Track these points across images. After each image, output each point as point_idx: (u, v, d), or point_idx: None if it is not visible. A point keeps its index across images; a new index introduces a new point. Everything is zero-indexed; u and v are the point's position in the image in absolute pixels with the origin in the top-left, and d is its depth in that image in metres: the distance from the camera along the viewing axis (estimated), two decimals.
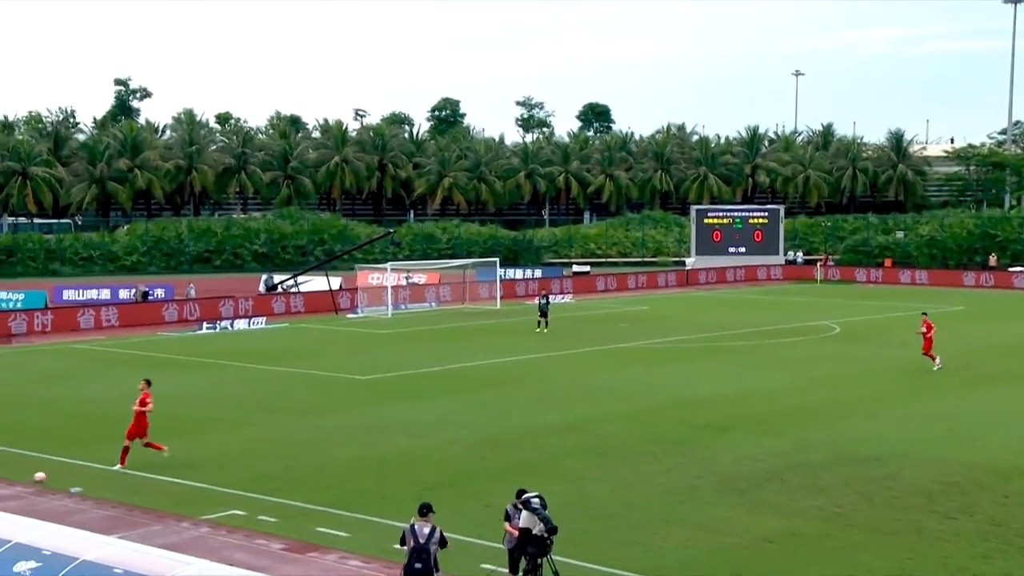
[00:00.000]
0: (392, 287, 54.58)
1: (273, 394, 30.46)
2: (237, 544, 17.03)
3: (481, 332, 45.46)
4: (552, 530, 14.27)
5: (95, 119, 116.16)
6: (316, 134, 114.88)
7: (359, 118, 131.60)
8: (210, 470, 21.57)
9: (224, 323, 47.03)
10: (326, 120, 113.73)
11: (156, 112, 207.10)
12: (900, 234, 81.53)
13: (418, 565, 13.45)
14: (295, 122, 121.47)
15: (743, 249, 77.97)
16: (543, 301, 45.35)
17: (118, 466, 21.59)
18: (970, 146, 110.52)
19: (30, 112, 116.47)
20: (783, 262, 78.07)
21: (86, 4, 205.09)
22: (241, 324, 47.35)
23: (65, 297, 56.66)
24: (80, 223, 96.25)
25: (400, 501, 18.39)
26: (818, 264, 75.96)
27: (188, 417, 27.07)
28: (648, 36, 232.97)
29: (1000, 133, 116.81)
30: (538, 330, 43.73)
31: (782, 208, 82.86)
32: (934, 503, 19.26)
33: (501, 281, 58.90)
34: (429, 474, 21.16)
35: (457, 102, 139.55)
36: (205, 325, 46.19)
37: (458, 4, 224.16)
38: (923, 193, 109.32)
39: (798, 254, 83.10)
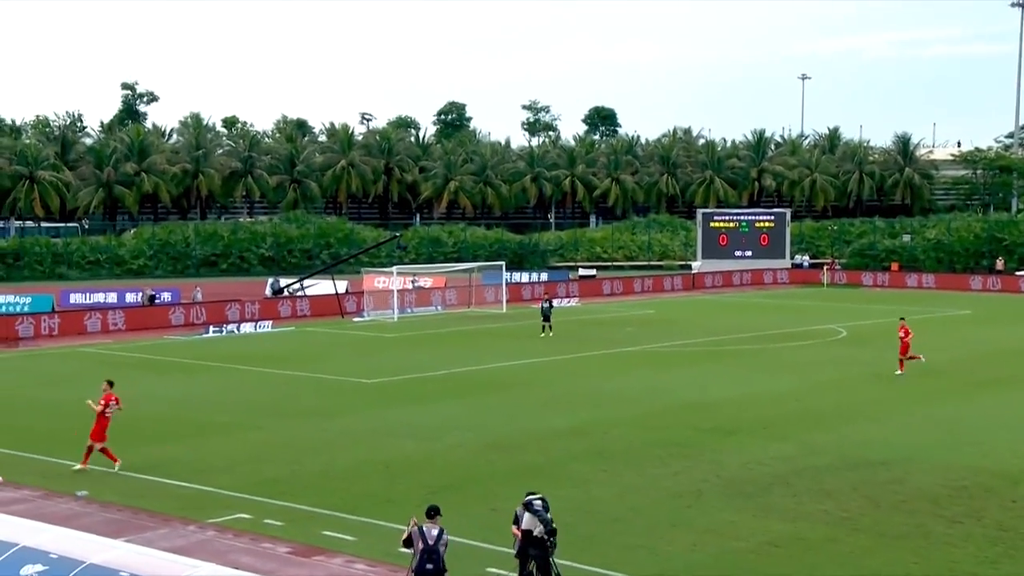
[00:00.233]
0: (398, 291, 54.62)
1: (279, 398, 30.48)
2: (243, 547, 17.04)
3: (487, 336, 45.45)
4: (551, 531, 14.24)
5: (102, 123, 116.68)
6: (322, 138, 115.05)
7: (365, 122, 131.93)
8: (216, 474, 21.58)
9: (230, 327, 47.08)
10: (332, 124, 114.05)
11: (163, 116, 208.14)
12: (907, 238, 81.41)
13: (429, 566, 13.56)
14: (301, 126, 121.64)
15: (749, 253, 77.87)
16: (546, 305, 45.24)
17: (116, 464, 21.57)
18: (977, 150, 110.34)
19: (37, 116, 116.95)
20: (789, 266, 77.97)
21: (93, 8, 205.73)
22: (247, 328, 47.40)
23: (72, 301, 56.76)
24: (87, 227, 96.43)
25: (406, 505, 18.37)
26: (824, 268, 75.89)
27: (194, 421, 27.11)
28: (654, 40, 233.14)
29: (1007, 136, 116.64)
30: (543, 335, 43.67)
31: (788, 212, 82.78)
32: (941, 507, 19.21)
33: (507, 285, 58.92)
34: (435, 478, 21.16)
35: (463, 106, 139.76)
36: (211, 329, 46.25)
37: (464, 8, 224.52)
38: (930, 197, 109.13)
39: (804, 258, 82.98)
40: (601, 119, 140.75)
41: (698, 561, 16.65)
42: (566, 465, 22.29)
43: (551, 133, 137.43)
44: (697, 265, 77.59)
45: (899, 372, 33.91)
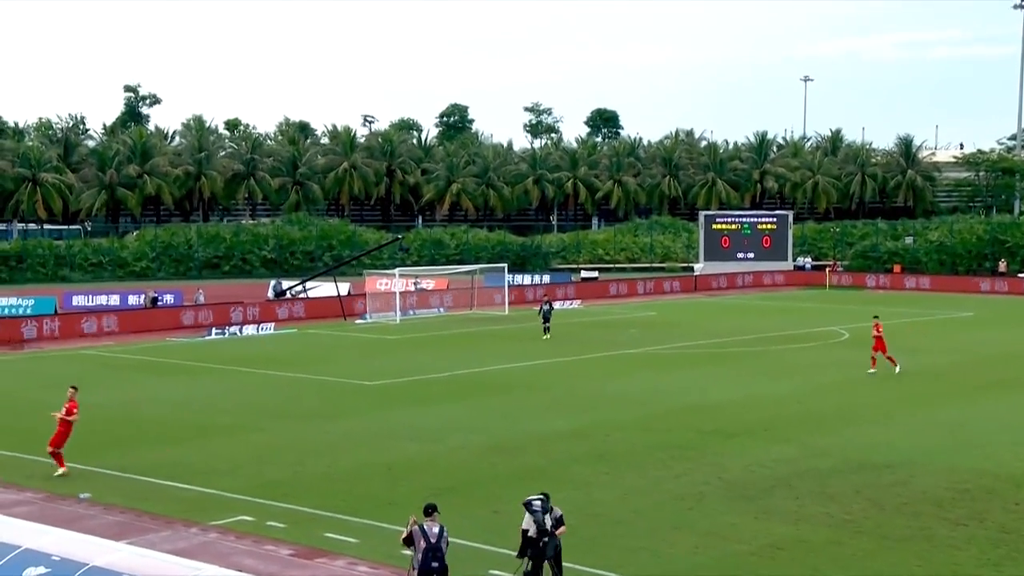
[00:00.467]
0: (400, 293, 54.63)
1: (282, 400, 30.49)
2: (245, 550, 17.05)
3: (489, 338, 45.46)
4: (542, 532, 14.23)
5: (105, 125, 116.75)
6: (325, 140, 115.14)
7: (367, 124, 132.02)
8: (219, 476, 21.59)
9: (233, 328, 47.11)
10: (335, 126, 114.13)
11: (165, 118, 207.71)
12: (909, 240, 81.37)
13: (435, 564, 13.63)
14: (304, 128, 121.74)
15: (752, 255, 77.85)
16: (546, 307, 45.12)
17: (61, 470, 21.54)
18: (979, 152, 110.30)
19: (40, 119, 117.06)
20: (792, 268, 77.95)
21: (95, 11, 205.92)
22: (249, 330, 47.42)
23: (75, 303, 56.81)
24: (89, 229, 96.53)
25: (409, 507, 18.34)
26: (827, 270, 75.88)
27: (196, 423, 27.13)
28: (656, 42, 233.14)
29: (1010, 139, 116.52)
30: (545, 337, 43.64)
31: (791, 214, 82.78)
32: (944, 510, 19.19)
33: (509, 287, 58.92)
34: (437, 480, 21.16)
35: (465, 108, 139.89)
36: (214, 331, 46.27)
37: (466, 10, 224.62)
38: (932, 199, 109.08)
39: (807, 260, 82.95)
40: (603, 121, 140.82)
41: (700, 563, 16.64)
42: (568, 467, 22.29)
43: (553, 135, 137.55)
44: (699, 267, 77.58)
45: (871, 371, 33.98)
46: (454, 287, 60.73)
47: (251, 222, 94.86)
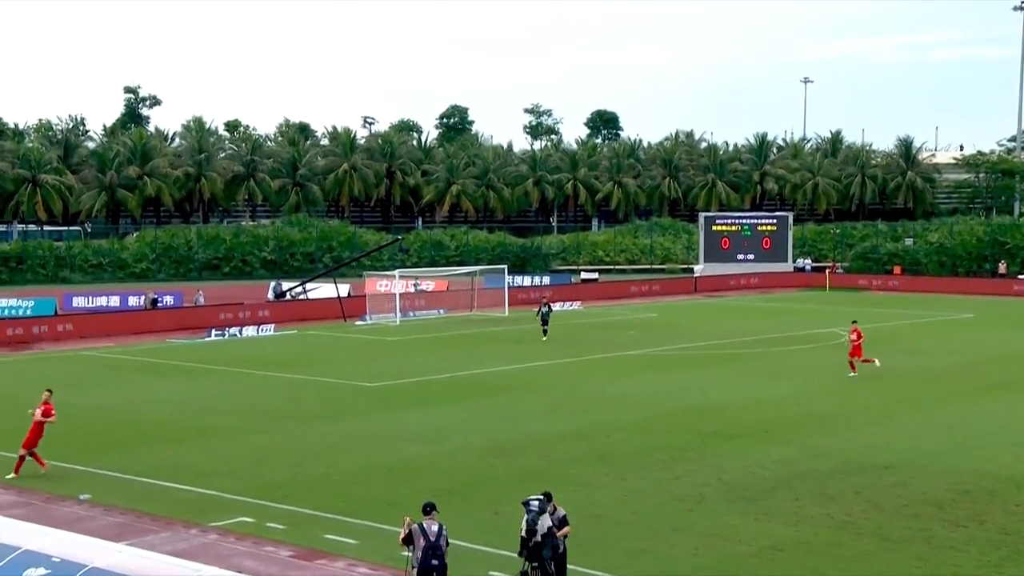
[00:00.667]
0: (400, 294, 54.63)
1: (282, 401, 30.49)
2: (246, 551, 17.05)
3: (489, 339, 45.45)
4: (530, 532, 14.24)
5: (105, 127, 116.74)
6: (325, 141, 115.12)
7: (367, 125, 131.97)
8: (218, 477, 21.59)
9: (232, 330, 47.11)
10: (335, 127, 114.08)
11: (165, 120, 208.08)
12: (909, 241, 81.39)
13: (435, 562, 13.68)
14: (304, 129, 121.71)
15: (752, 256, 77.86)
16: (545, 309, 45.00)
17: (12, 475, 21.51)
18: (979, 153, 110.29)
19: (40, 120, 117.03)
20: (792, 269, 77.97)
21: (95, 12, 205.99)
22: (250, 331, 47.43)
23: (75, 304, 56.81)
24: (90, 230, 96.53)
25: (409, 508, 18.32)
26: (827, 271, 75.89)
27: (196, 424, 27.13)
28: (656, 43, 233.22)
29: (1009, 140, 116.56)
30: (545, 339, 43.59)
31: (791, 215, 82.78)
32: (944, 511, 19.19)
33: (509, 288, 58.91)
34: (438, 481, 21.15)
35: (465, 109, 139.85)
36: (213, 332, 46.28)
37: (466, 11, 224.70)
38: (932, 200, 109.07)
39: (807, 261, 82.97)
40: (603, 122, 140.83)
41: (701, 565, 16.64)
42: (568, 469, 22.29)
43: (553, 136, 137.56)
44: (699, 268, 77.58)
45: (852, 374, 34.13)
46: (454, 288, 60.73)
47: (251, 223, 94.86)
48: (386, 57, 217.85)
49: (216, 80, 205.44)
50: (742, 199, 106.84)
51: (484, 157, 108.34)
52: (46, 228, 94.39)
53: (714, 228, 79.30)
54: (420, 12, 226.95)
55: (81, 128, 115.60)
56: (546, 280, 71.18)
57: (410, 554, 14.09)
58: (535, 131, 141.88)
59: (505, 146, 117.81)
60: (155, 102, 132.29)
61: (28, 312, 51.41)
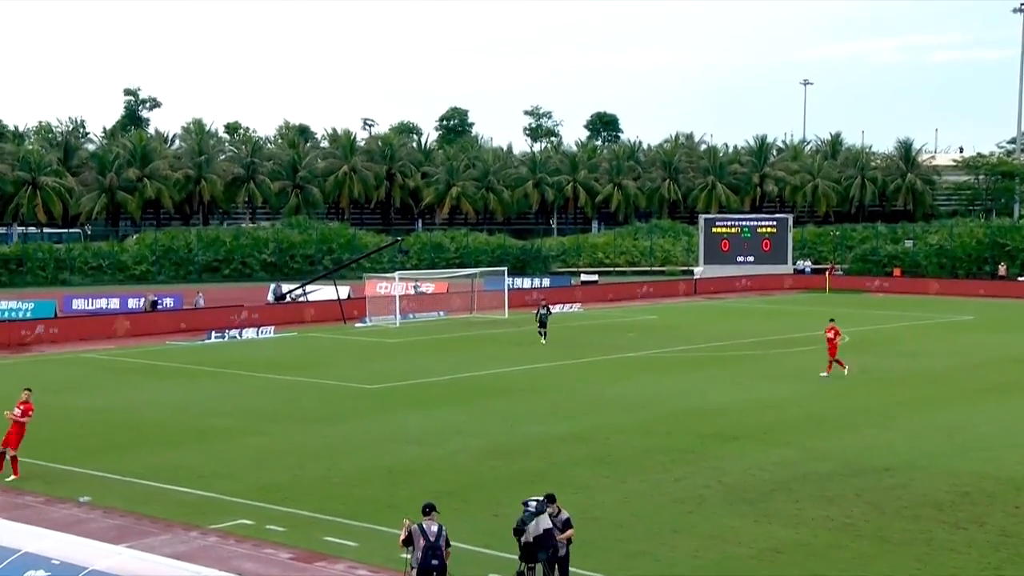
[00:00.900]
0: (400, 296, 54.63)
1: (281, 403, 30.49)
2: (245, 553, 17.04)
3: (489, 341, 45.45)
4: (517, 531, 14.26)
5: (105, 129, 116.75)
6: (324, 143, 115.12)
7: (367, 127, 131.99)
8: (218, 479, 21.59)
9: (232, 332, 47.11)
10: (334, 129, 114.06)
11: (165, 122, 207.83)
12: (909, 243, 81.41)
13: (435, 562, 13.72)
14: (304, 131, 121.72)
15: (751, 258, 77.90)
16: (543, 311, 44.88)
17: (12, 477, 21.60)
18: (979, 155, 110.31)
19: (40, 122, 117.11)
20: (792, 271, 77.99)
21: (95, 14, 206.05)
22: (250, 333, 47.44)
23: (75, 306, 56.78)
24: (89, 233, 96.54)
25: (409, 510, 18.32)
26: (826, 273, 75.91)
27: (196, 426, 27.12)
28: (656, 45, 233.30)
29: (1009, 142, 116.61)
30: (544, 342, 43.51)
31: (790, 217, 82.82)
32: (944, 513, 19.19)
33: (509, 290, 58.91)
34: (438, 483, 21.14)
35: (465, 111, 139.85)
36: (213, 334, 46.27)
37: (466, 13, 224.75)
38: (932, 202, 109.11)
39: (807, 263, 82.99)
40: (603, 124, 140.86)
41: (700, 567, 16.64)
42: (568, 471, 22.28)
43: (553, 138, 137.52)
44: (699, 271, 77.61)
45: (824, 374, 34.30)
46: (454, 291, 60.73)
47: (251, 225, 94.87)
48: (386, 59, 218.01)
49: (216, 82, 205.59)
50: (742, 201, 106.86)
51: (484, 159, 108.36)
52: (46, 230, 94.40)
53: (714, 230, 79.34)
54: (420, 14, 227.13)
55: (81, 130, 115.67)
56: (546, 282, 71.17)
57: (409, 556, 14.11)
58: (535, 133, 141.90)
59: (505, 148, 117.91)
60: (155, 104, 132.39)
61: (28, 314, 51.40)
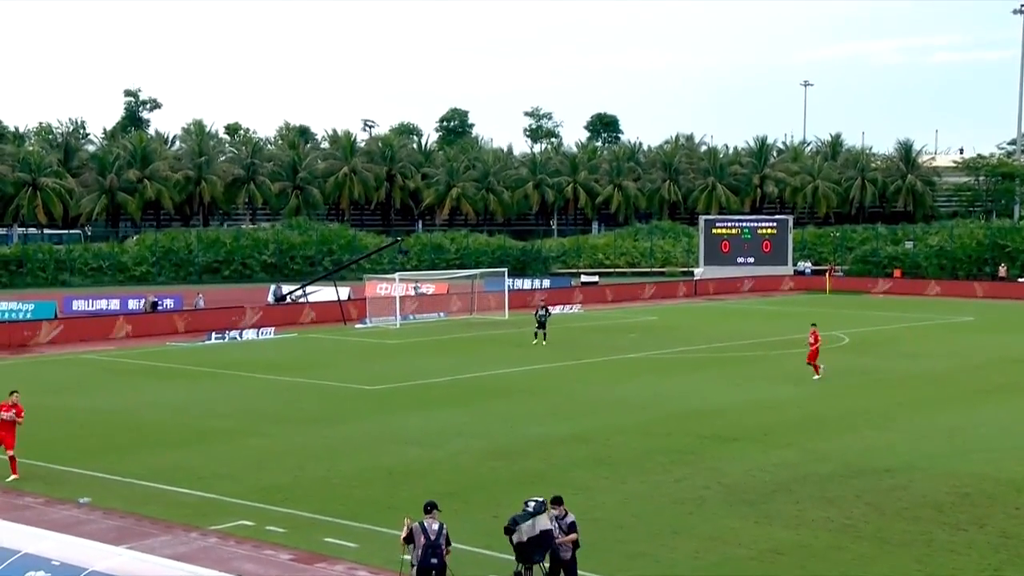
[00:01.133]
0: (400, 297, 54.62)
1: (281, 404, 30.48)
2: (246, 554, 17.04)
3: (489, 342, 45.45)
4: (507, 531, 14.29)
5: (105, 130, 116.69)
6: (325, 144, 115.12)
7: (367, 128, 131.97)
8: (218, 480, 21.59)
9: (233, 333, 47.10)
10: (335, 130, 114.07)
11: (165, 123, 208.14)
12: (909, 244, 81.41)
13: (434, 560, 13.76)
14: (304, 132, 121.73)
15: (752, 259, 77.89)
16: (542, 312, 44.75)
17: (12, 476, 21.70)
18: (979, 156, 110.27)
19: (40, 123, 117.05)
20: (792, 272, 77.99)
21: (96, 15, 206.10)
22: (250, 334, 47.43)
23: (75, 307, 56.80)
24: (90, 234, 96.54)
25: (409, 511, 18.30)
26: (827, 274, 75.91)
27: (196, 427, 27.12)
28: (656, 46, 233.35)
29: (1009, 143, 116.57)
30: (535, 342, 43.33)
31: (791, 218, 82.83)
32: (945, 515, 19.19)
33: (509, 291, 58.91)
34: (438, 484, 21.13)
35: (465, 112, 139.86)
36: (214, 335, 46.27)
37: (466, 14, 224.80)
38: (932, 203, 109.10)
39: (807, 264, 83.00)
40: (603, 125, 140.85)
41: (701, 568, 16.63)
42: (569, 472, 22.28)
43: (553, 140, 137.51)
44: (699, 272, 77.59)
45: (817, 376, 34.21)
46: (454, 292, 60.73)
47: (251, 227, 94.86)
48: (386, 60, 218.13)
49: (216, 83, 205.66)
50: (742, 202, 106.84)
51: (484, 160, 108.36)
52: (46, 231, 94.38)
53: (714, 231, 79.34)
54: (420, 15, 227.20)
55: (81, 131, 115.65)
56: (546, 283, 71.15)
57: (409, 556, 14.14)
58: (535, 134, 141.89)
59: (505, 149, 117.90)
60: (155, 105, 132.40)
61: (28, 315, 51.40)
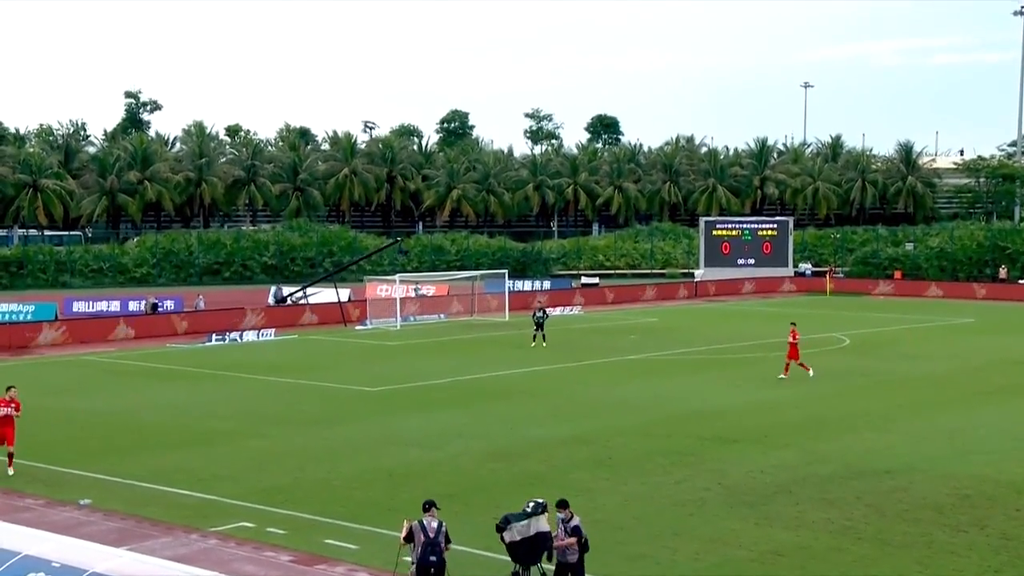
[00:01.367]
0: (401, 299, 54.63)
1: (282, 406, 30.48)
2: (246, 556, 17.03)
3: (490, 344, 45.45)
4: (497, 528, 14.31)
5: (105, 131, 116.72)
6: (325, 146, 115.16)
7: (368, 130, 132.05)
8: (219, 482, 21.59)
9: (233, 335, 47.10)
10: (335, 132, 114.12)
11: (166, 124, 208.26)
12: (910, 246, 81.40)
13: (432, 558, 13.84)
14: (304, 134, 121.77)
15: (752, 261, 77.90)
16: (540, 314, 44.66)
17: (11, 471, 21.93)
18: (980, 158, 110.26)
19: (41, 125, 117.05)
20: (792, 274, 77.99)
21: (96, 17, 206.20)
22: (250, 336, 47.43)
23: (75, 309, 56.82)
24: (90, 235, 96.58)
25: (409, 513, 18.31)
26: (827, 275, 75.90)
27: (197, 429, 27.12)
28: (657, 48, 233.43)
29: (1010, 145, 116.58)
30: (534, 344, 43.29)
31: (791, 220, 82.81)
32: (945, 516, 19.18)
33: (510, 293, 58.91)
34: (438, 486, 21.12)
35: (466, 114, 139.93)
36: (214, 337, 46.26)
37: (466, 16, 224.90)
38: (933, 205, 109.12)
39: (807, 266, 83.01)
40: (604, 127, 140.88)
41: (701, 570, 16.63)
42: (569, 473, 22.28)
43: (554, 141, 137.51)
44: (700, 273, 77.59)
45: (782, 376, 34.33)
46: (455, 293, 60.73)
47: (252, 228, 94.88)
48: (387, 62, 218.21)
49: (217, 85, 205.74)
50: (742, 204, 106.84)
51: (485, 162, 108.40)
52: (47, 233, 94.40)
53: (715, 233, 79.35)
54: (420, 16, 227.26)
55: (82, 133, 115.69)
56: (547, 285, 71.15)
57: (409, 556, 14.18)
58: (536, 136, 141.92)
59: (506, 151, 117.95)
60: (156, 107, 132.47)
61: (28, 317, 51.41)
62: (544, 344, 43.08)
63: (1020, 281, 72.49)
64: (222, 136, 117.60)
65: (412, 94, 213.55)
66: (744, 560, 17.01)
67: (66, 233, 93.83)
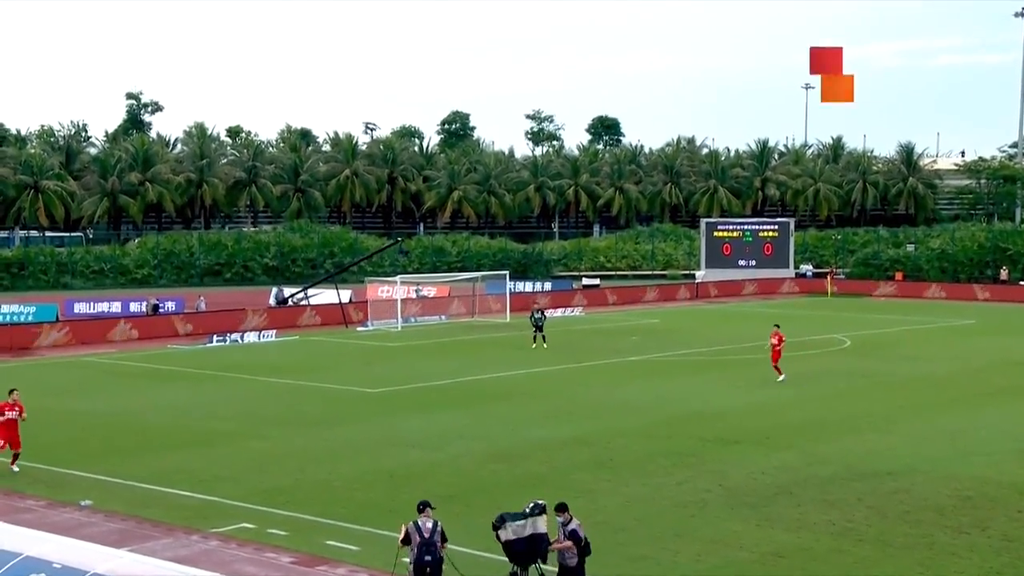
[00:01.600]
0: (402, 300, 54.63)
1: (283, 407, 30.48)
2: (247, 557, 17.03)
3: (491, 345, 45.44)
4: (493, 527, 14.33)
5: (107, 133, 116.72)
6: (326, 147, 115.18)
7: (369, 131, 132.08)
8: (220, 483, 21.59)
9: (234, 336, 47.10)
10: (336, 133, 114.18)
11: (167, 126, 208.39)
12: (911, 247, 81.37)
13: (428, 558, 13.93)
14: (305, 135, 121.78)
15: (753, 262, 77.90)
16: (537, 315, 44.58)
17: (15, 468, 22.13)
18: (981, 159, 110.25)
19: (42, 126, 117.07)
20: (793, 275, 77.98)
21: (98, 18, 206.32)
22: (251, 337, 47.43)
23: (76, 310, 56.83)
24: (91, 236, 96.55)
25: (410, 515, 18.32)
26: (827, 276, 75.88)
27: (198, 430, 27.13)
28: (658, 49, 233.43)
29: (1011, 146, 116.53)
30: (534, 346, 43.25)
31: (792, 221, 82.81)
32: (946, 518, 19.17)
33: (511, 294, 58.92)
34: (439, 487, 21.12)
35: (467, 115, 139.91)
36: (215, 338, 46.27)
37: (467, 17, 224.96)
38: (934, 206, 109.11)
39: (808, 267, 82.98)
40: (605, 128, 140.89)
41: (703, 571, 16.63)
42: (570, 475, 22.27)
43: (555, 142, 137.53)
44: (701, 274, 77.58)
45: (781, 378, 34.08)
46: (456, 294, 60.72)
47: (253, 229, 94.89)
48: (388, 63, 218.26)
49: (218, 86, 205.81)
50: (743, 205, 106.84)
51: (486, 163, 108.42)
52: (48, 234, 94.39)
53: (715, 234, 79.35)
54: (421, 18, 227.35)
55: (83, 134, 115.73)
56: (547, 286, 71.15)
57: (406, 559, 14.21)
58: (536, 137, 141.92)
59: (507, 152, 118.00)
60: (157, 108, 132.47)
61: (30, 318, 51.41)
62: (545, 345, 43.07)
63: (1021, 282, 72.43)
64: (223, 137, 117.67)
65: (413, 95, 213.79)
66: (745, 561, 17.00)
67: (67, 234, 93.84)
